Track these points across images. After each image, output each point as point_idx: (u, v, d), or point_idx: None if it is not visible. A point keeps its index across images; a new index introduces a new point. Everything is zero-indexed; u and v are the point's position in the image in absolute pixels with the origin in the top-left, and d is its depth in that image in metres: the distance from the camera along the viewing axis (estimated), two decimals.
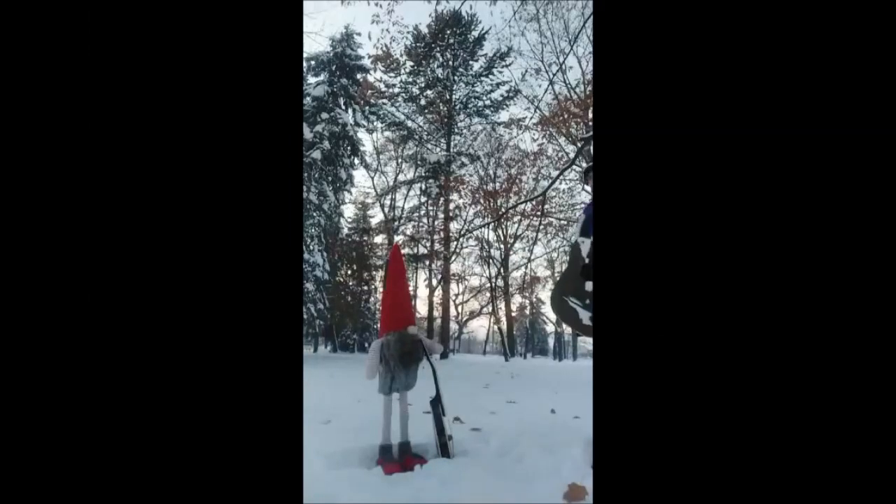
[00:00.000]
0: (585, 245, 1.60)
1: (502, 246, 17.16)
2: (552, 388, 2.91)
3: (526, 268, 19.47)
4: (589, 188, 1.78)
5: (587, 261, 1.58)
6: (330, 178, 11.92)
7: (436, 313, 14.60)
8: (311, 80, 12.28)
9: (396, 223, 15.44)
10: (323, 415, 2.46)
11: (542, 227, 16.26)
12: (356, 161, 13.15)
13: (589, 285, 1.57)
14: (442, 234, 14.29)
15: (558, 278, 1.73)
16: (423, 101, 14.35)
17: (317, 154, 10.90)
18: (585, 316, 1.60)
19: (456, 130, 14.33)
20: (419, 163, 14.47)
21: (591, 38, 7.76)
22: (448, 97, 14.08)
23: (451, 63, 14.06)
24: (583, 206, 1.82)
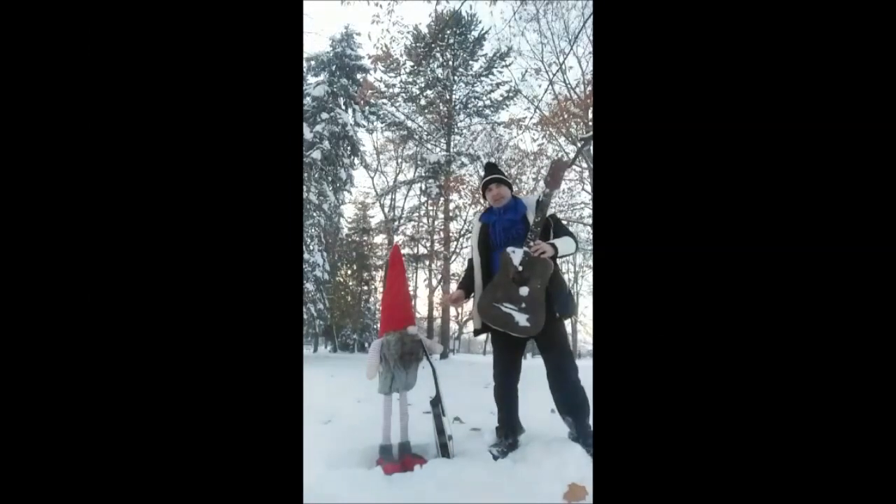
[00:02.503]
0: (517, 255, 1.76)
1: None
2: None
3: None
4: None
5: (520, 269, 1.74)
6: (330, 178, 11.91)
7: (436, 313, 14.57)
8: (311, 80, 12.27)
9: (396, 223, 15.41)
10: (323, 415, 2.46)
11: None
12: (356, 161, 13.14)
13: (523, 290, 1.74)
14: (442, 234, 14.26)
15: (484, 288, 1.83)
16: (423, 101, 14.31)
17: (317, 154, 10.90)
18: (522, 318, 1.73)
19: (456, 130, 14.29)
20: (419, 163, 14.44)
21: (591, 38, 7.76)
22: (448, 97, 14.05)
23: (451, 63, 14.03)
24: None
